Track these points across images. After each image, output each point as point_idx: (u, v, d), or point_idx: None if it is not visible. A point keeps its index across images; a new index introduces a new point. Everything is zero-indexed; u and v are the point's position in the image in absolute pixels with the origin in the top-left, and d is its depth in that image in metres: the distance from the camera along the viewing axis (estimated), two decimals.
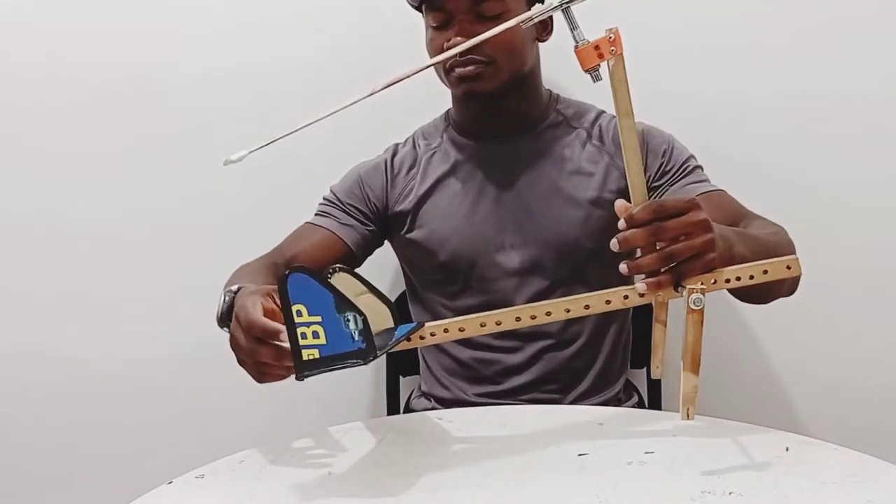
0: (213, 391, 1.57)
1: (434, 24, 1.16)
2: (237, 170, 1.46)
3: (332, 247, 1.20)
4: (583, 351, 1.20)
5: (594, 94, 1.28)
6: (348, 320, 0.72)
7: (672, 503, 0.75)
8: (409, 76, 0.74)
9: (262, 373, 0.86)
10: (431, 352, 1.28)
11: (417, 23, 1.22)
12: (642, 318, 1.29)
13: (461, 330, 0.86)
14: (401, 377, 1.44)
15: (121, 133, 1.50)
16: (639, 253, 0.82)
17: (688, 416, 0.80)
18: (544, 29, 1.22)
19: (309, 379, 0.74)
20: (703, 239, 0.80)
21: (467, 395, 1.22)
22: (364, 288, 0.88)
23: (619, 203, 0.83)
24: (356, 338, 0.73)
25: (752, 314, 1.48)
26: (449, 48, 1.12)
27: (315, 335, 0.72)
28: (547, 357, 1.19)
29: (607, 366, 1.22)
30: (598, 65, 0.74)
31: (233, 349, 0.87)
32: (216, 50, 1.48)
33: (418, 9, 1.20)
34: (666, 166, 1.16)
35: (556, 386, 1.20)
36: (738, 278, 0.82)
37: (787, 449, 0.85)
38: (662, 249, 0.80)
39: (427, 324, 0.86)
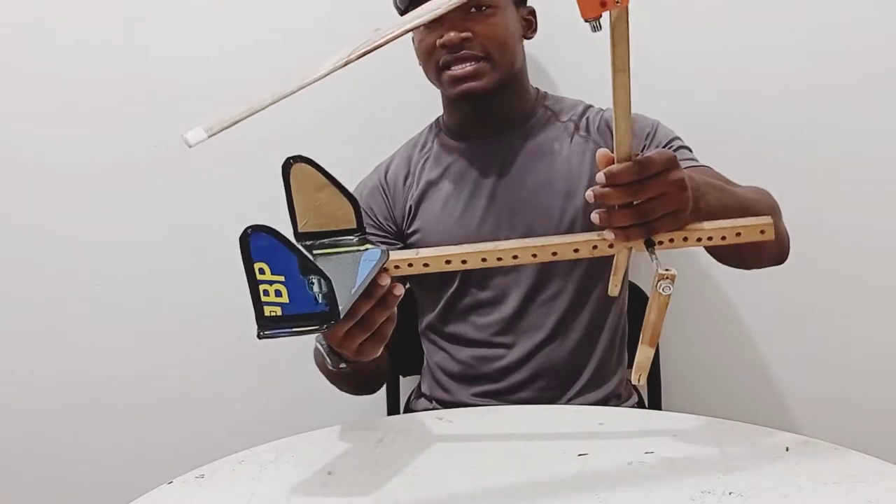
0: (213, 391, 1.57)
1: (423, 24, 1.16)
2: (237, 172, 1.48)
3: None
4: (579, 346, 1.20)
5: (579, 92, 1.30)
6: (312, 283, 0.71)
7: (672, 503, 0.75)
8: (390, 40, 0.68)
9: (381, 336, 0.87)
10: (432, 353, 1.28)
11: None
12: (641, 315, 1.29)
13: (425, 265, 0.85)
14: (401, 377, 1.44)
15: (123, 136, 1.50)
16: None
17: (638, 380, 0.83)
18: (529, 26, 1.24)
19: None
20: (679, 198, 0.80)
21: (466, 396, 1.22)
22: (325, 181, 0.85)
23: (602, 152, 0.81)
24: (319, 301, 0.71)
25: (753, 314, 1.48)
26: (441, 45, 1.13)
27: (278, 293, 0.71)
28: (543, 353, 1.19)
29: (605, 360, 1.22)
30: (600, 15, 0.69)
31: (353, 351, 0.87)
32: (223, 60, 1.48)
33: (404, 13, 1.21)
34: (648, 149, 1.17)
35: (554, 382, 1.20)
36: (710, 238, 0.82)
37: (787, 449, 0.85)
38: (637, 206, 0.79)
39: (391, 254, 0.85)
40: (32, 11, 1.47)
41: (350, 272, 0.81)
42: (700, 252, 1.06)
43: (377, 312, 0.84)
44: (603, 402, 1.20)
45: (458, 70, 1.15)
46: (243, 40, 1.46)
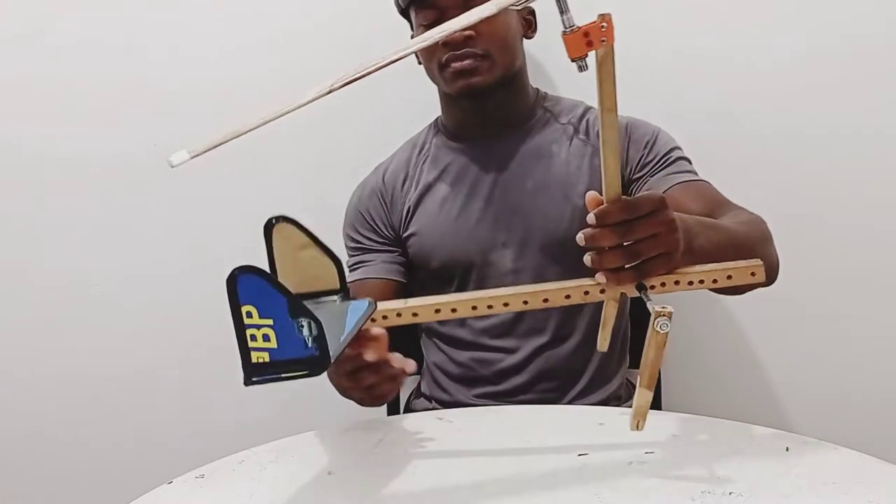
0: (213, 392, 1.57)
1: (425, 23, 1.16)
2: (235, 172, 1.48)
3: (386, 290, 1.21)
4: (579, 348, 1.20)
5: (580, 92, 1.30)
6: (301, 326, 0.68)
7: (672, 503, 0.75)
8: (389, 63, 0.67)
9: (373, 395, 0.92)
10: (431, 353, 1.28)
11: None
12: (641, 316, 1.29)
13: (415, 315, 0.83)
14: None
15: (123, 136, 1.50)
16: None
17: (637, 427, 0.79)
18: (529, 26, 1.24)
19: (289, 378, 0.71)
20: (669, 239, 0.79)
21: (466, 397, 1.22)
22: (308, 240, 0.83)
23: (591, 195, 0.80)
24: (309, 345, 0.68)
25: (753, 315, 1.48)
26: (444, 43, 1.13)
27: (266, 338, 0.68)
28: (544, 356, 1.19)
29: (604, 362, 1.22)
30: (586, 54, 0.69)
31: (343, 391, 0.95)
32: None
33: (405, 12, 1.21)
34: (646, 158, 1.16)
35: (554, 384, 1.20)
36: (702, 281, 0.82)
37: (787, 449, 0.85)
38: (628, 247, 0.79)
39: (379, 305, 0.83)
40: (32, 11, 1.47)
41: (338, 321, 0.79)
42: None
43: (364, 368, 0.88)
44: (603, 403, 1.20)
45: (458, 65, 1.14)
46: (243, 40, 1.46)
